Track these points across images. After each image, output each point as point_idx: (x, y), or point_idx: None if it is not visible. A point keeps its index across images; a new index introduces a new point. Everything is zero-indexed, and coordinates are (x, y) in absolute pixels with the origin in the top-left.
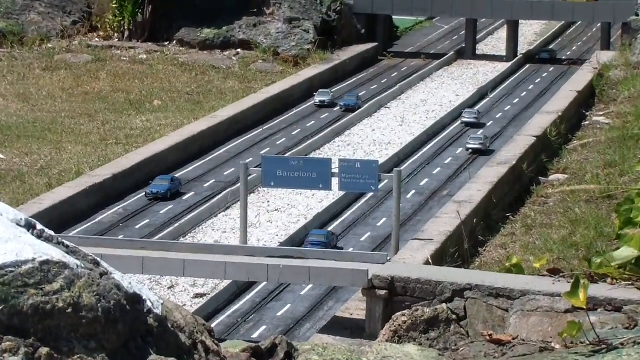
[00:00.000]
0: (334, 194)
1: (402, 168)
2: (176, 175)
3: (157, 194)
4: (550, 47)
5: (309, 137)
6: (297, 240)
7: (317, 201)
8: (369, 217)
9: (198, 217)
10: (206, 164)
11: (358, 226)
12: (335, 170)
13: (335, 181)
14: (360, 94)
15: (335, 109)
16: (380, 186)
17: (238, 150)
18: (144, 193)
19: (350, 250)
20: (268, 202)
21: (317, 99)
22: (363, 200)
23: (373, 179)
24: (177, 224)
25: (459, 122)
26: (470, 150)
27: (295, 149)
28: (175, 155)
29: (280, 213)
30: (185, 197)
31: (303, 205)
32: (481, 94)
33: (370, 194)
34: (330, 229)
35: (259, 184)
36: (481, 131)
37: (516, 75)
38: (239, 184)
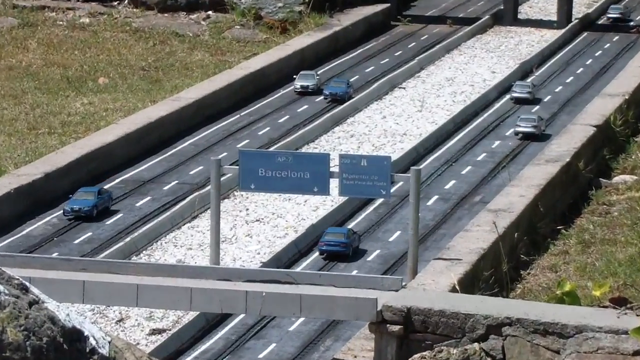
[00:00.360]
0: (333, 199)
1: (421, 166)
2: (106, 187)
3: (78, 212)
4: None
5: (300, 126)
6: (285, 259)
7: (310, 209)
8: (378, 230)
9: (156, 229)
10: (167, 160)
11: (364, 242)
12: (335, 169)
13: (334, 183)
14: (351, 80)
15: (319, 98)
16: (392, 190)
17: (208, 142)
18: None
19: (355, 273)
20: (247, 210)
21: (298, 83)
22: (371, 208)
23: (384, 180)
24: (128, 239)
25: (498, 104)
26: (520, 135)
27: (283, 141)
28: (127, 148)
29: (262, 224)
30: (118, 216)
31: (292, 214)
32: (524, 71)
33: (380, 200)
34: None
35: (235, 187)
36: (536, 108)
37: (570, 46)
38: (209, 187)
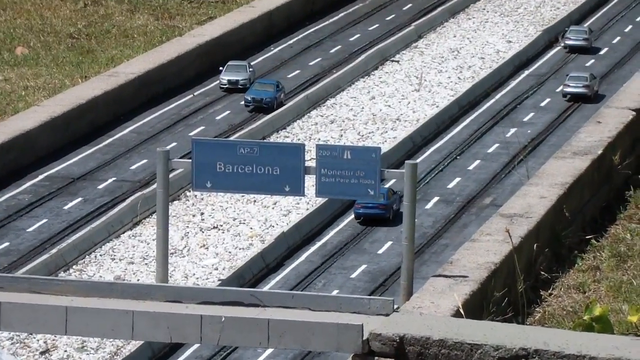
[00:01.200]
0: (309, 200)
1: (418, 160)
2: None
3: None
4: None
5: (266, 109)
6: (249, 276)
7: (280, 213)
8: (364, 240)
9: (89, 238)
10: (101, 151)
11: (347, 254)
12: (311, 164)
13: (310, 181)
14: (281, 82)
15: (296, 70)
16: (384, 189)
17: (153, 129)
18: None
19: (335, 293)
20: (202, 214)
21: (225, 77)
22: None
23: (371, 177)
24: (54, 250)
25: (514, 82)
26: (568, 97)
27: (247, 128)
28: (52, 137)
29: (221, 232)
30: (42, 222)
31: (258, 219)
32: (548, 40)
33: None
34: (306, 255)
35: (186, 186)
36: (591, 61)
37: (604, 9)
38: (154, 186)
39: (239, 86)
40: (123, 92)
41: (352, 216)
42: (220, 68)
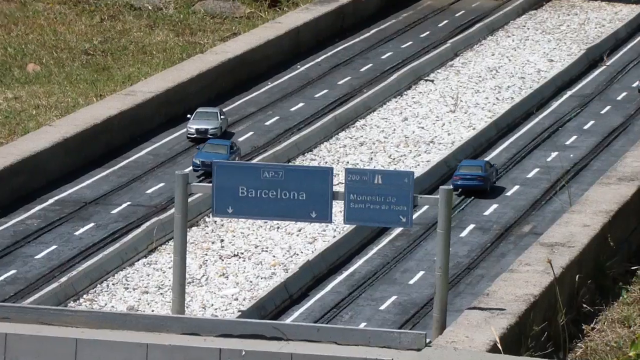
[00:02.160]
0: (336, 227)
1: (452, 186)
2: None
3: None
4: None
5: (293, 131)
6: (271, 308)
7: (306, 241)
8: (395, 270)
9: (101, 266)
10: (116, 174)
11: (376, 285)
12: (339, 189)
13: (338, 207)
14: (238, 140)
15: (323, 90)
16: (415, 216)
17: (171, 152)
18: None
19: (363, 326)
20: (222, 241)
21: (193, 126)
22: (386, 241)
23: (404, 203)
24: (64, 278)
25: (556, 103)
26: None
27: (271, 150)
28: (63, 158)
29: (242, 261)
30: (51, 248)
31: (281, 247)
32: (592, 60)
33: (398, 230)
34: (333, 285)
35: (206, 211)
36: (636, 82)
37: None
38: (171, 211)
39: (209, 136)
40: (140, 112)
41: (381, 245)
42: (188, 115)
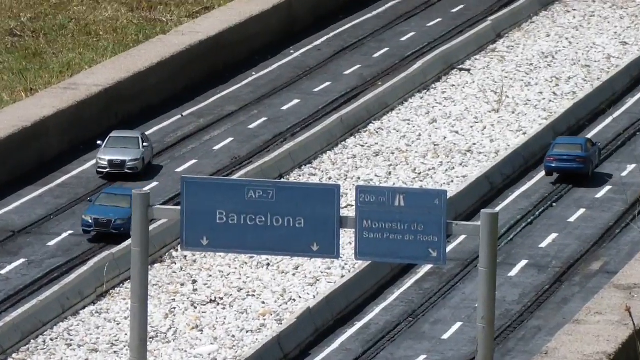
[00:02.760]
0: (345, 264)
1: (498, 209)
2: None
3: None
4: None
5: (286, 135)
6: None
7: (304, 282)
8: (423, 321)
9: (35, 316)
10: (53, 193)
11: (399, 341)
12: (349, 213)
13: (347, 237)
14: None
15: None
16: (449, 249)
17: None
18: None
19: None
20: (194, 283)
21: (105, 156)
22: (411, 282)
23: (434, 232)
24: None
25: (632, 100)
26: None
27: (256, 162)
28: None
29: (221, 309)
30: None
31: (273, 290)
32: None
33: (427, 268)
34: (341, 341)
35: (173, 243)
36: None
37: None
38: (127, 243)
39: (126, 170)
40: (84, 112)
41: (405, 287)
42: (99, 142)
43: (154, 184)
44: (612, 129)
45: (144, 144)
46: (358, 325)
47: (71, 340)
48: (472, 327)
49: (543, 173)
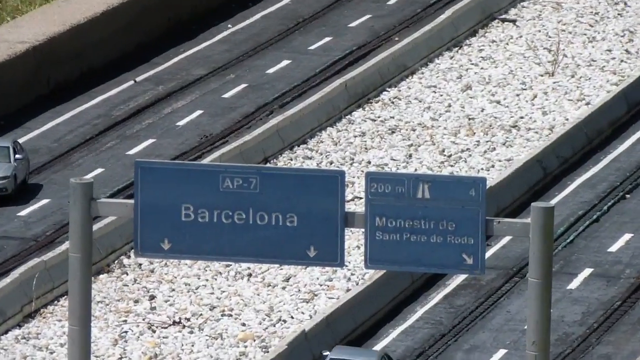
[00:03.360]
0: (351, 275)
1: (554, 202)
2: None
3: None
4: None
5: (272, 106)
6: None
7: (297, 297)
8: (455, 348)
9: None
10: None
11: None
12: (356, 208)
13: (353, 239)
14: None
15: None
16: (489, 255)
17: (59, 145)
18: None
19: None
20: (152, 299)
21: None
22: (438, 297)
23: (469, 233)
24: None
25: None
26: None
27: (233, 142)
28: None
29: (188, 333)
30: None
31: (256, 308)
32: None
33: (460, 279)
34: None
35: (124, 247)
36: None
37: None
38: (63, 247)
39: (2, 194)
40: (3, 77)
41: (431, 304)
42: None
43: (99, 170)
44: None
45: (17, 156)
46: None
47: None
48: (519, 356)
49: (612, 155)
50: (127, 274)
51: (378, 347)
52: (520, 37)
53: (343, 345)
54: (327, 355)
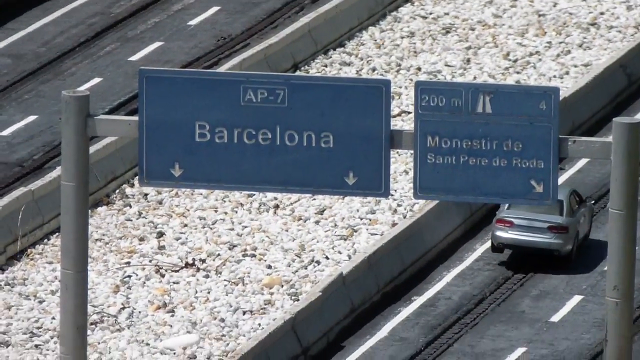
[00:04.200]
0: (398, 206)
1: None
2: None
3: None
4: None
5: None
6: None
7: (333, 233)
8: (522, 294)
9: None
10: None
11: (485, 325)
12: (404, 125)
13: (400, 164)
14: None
15: None
16: (563, 180)
17: (49, 48)
18: None
19: None
20: (160, 237)
21: None
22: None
23: (539, 154)
24: None
25: None
26: None
27: (257, 45)
28: None
29: (203, 277)
30: None
31: (284, 247)
32: None
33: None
34: (410, 311)
35: (126, 174)
36: None
37: None
38: (54, 173)
39: None
40: None
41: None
42: None
43: (96, 80)
44: None
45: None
46: (420, 300)
47: None
48: (597, 303)
49: None
50: (130, 206)
51: (430, 292)
52: None
53: None
54: None
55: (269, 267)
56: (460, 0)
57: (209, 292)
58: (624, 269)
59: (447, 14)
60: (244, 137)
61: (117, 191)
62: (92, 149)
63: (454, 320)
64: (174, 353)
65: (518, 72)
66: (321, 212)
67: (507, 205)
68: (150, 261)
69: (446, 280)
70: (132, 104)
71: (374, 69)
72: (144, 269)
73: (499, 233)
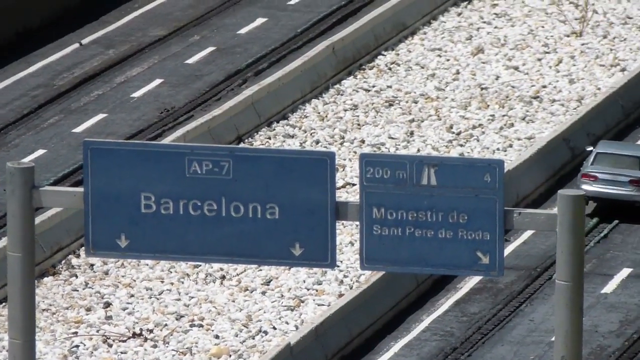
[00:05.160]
0: (344, 277)
1: (583, 189)
2: None
3: None
4: None
5: (246, 74)
6: None
7: (279, 304)
8: None
9: None
10: None
11: None
12: (349, 197)
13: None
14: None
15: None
16: (507, 253)
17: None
18: None
19: None
20: (107, 307)
21: None
22: (447, 304)
23: (484, 227)
24: None
25: None
26: None
27: (200, 118)
28: None
29: (150, 346)
30: None
31: (231, 317)
32: None
33: (474, 281)
34: None
35: (73, 245)
36: None
37: None
38: (1, 242)
39: None
40: None
41: (439, 312)
42: None
43: (40, 151)
44: None
45: None
46: None
47: None
48: None
49: None
50: (76, 277)
51: None
52: None
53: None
54: (591, 150)
55: (217, 337)
56: (402, 73)
57: None
58: (571, 340)
59: (389, 87)
60: (190, 208)
61: (63, 262)
62: (38, 219)
63: None
64: None
65: (461, 145)
66: (268, 282)
67: (591, 160)
68: (97, 331)
69: (394, 351)
70: (76, 175)
71: (317, 141)
72: (91, 339)
73: (584, 186)
